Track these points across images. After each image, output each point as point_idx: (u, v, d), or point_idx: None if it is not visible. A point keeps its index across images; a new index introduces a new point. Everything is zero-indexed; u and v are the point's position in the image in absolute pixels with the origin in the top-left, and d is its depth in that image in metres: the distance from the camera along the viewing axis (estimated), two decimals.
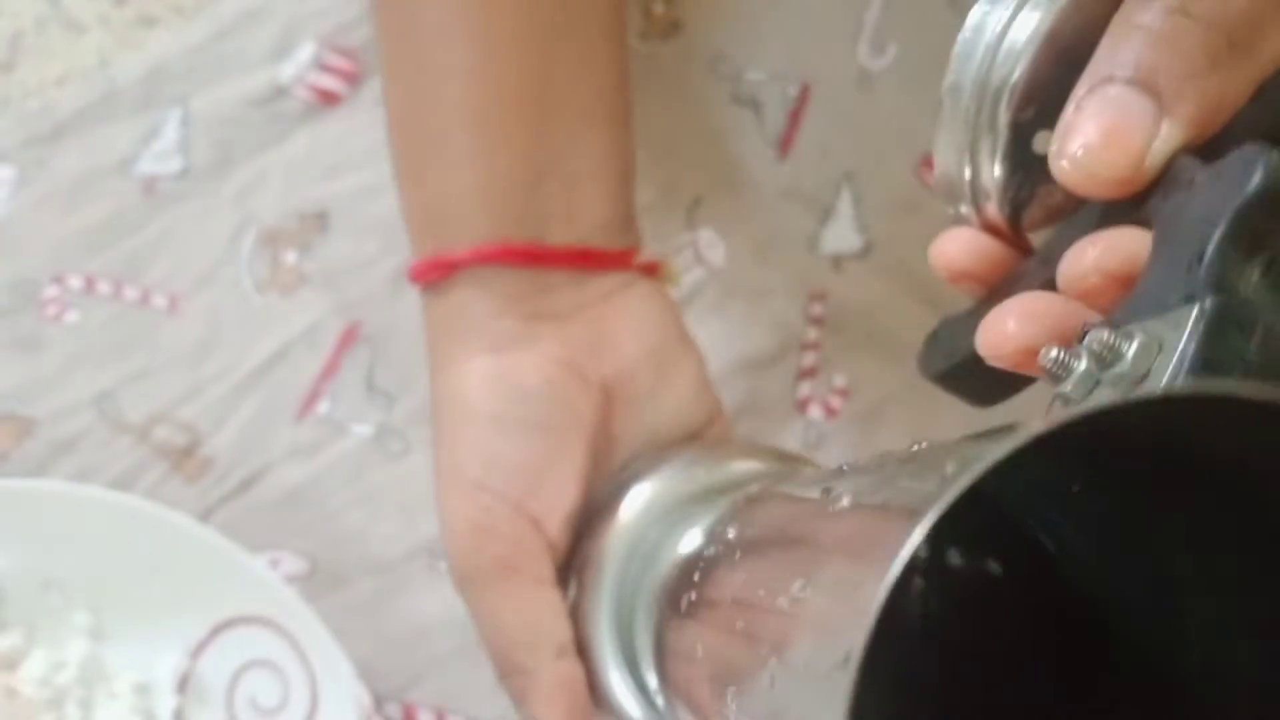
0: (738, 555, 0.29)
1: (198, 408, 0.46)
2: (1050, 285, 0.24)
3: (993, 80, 0.25)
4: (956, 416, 0.46)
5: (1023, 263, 0.26)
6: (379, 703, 0.41)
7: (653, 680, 0.31)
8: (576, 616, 0.32)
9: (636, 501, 0.32)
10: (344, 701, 0.40)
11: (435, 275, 0.34)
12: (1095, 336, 0.21)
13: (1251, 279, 0.20)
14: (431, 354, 0.35)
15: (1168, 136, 0.22)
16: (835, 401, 0.48)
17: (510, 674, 0.32)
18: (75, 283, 0.47)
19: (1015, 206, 0.26)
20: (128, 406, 0.46)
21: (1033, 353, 0.22)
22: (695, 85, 0.50)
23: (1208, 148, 0.22)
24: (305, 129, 0.49)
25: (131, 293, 0.47)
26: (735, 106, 0.51)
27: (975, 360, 0.25)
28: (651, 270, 0.36)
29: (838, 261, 0.49)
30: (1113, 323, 0.21)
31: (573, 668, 0.31)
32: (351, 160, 0.49)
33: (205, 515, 0.44)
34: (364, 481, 0.45)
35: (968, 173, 0.26)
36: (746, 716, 0.23)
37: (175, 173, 0.49)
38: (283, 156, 0.49)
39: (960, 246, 0.26)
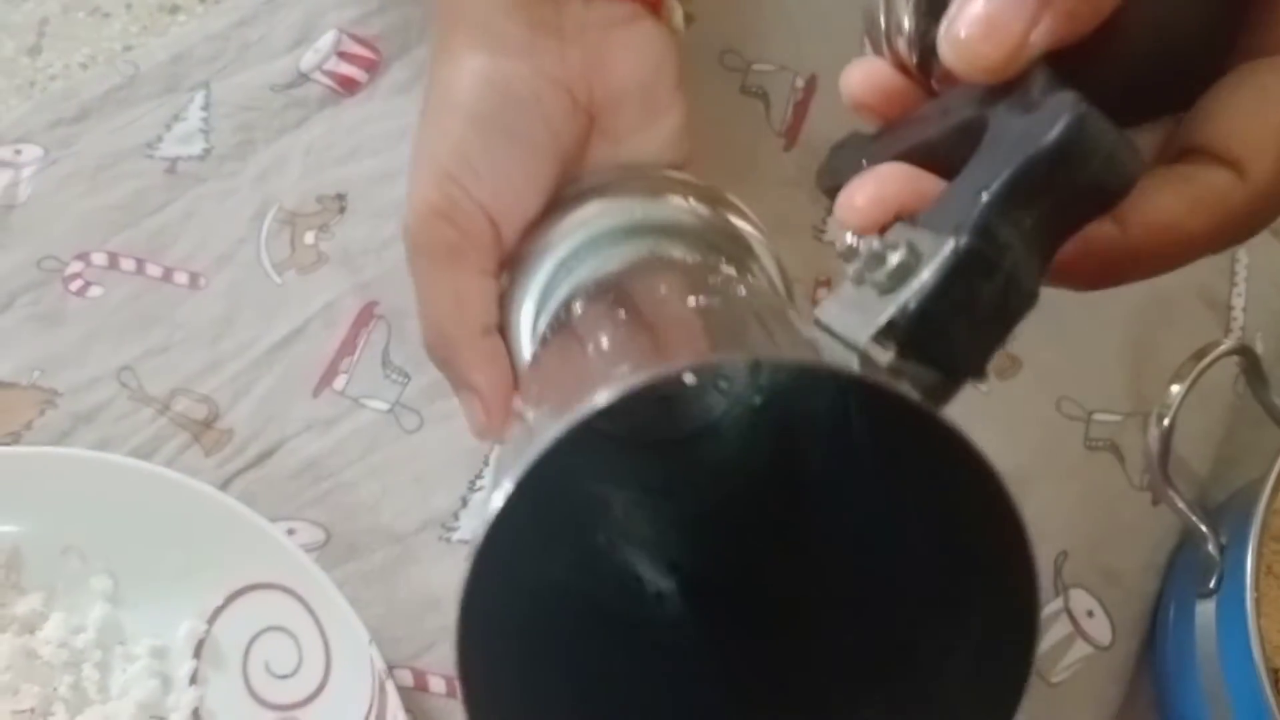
0: (600, 304, 0.31)
1: (217, 382, 0.47)
2: (943, 138, 0.24)
3: None
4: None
5: (924, 105, 0.27)
6: (391, 669, 0.42)
7: None
8: (504, 305, 0.34)
9: (576, 216, 0.34)
10: (357, 667, 0.41)
11: None
12: (868, 243, 0.22)
13: (1021, 226, 0.21)
14: (434, 42, 0.36)
15: (1042, 33, 0.22)
16: None
17: (436, 343, 0.34)
18: (99, 259, 0.48)
19: (923, 52, 0.26)
20: (148, 380, 0.46)
21: (875, 226, 0.24)
22: (705, 76, 0.52)
23: (1084, 47, 0.23)
24: (325, 114, 0.51)
25: (154, 270, 0.48)
26: (743, 97, 0.52)
27: None
28: (655, 6, 0.36)
29: None
30: (918, 221, 0.23)
31: (496, 343, 0.33)
32: (369, 145, 0.50)
33: (223, 486, 0.45)
34: (378, 455, 0.46)
35: (883, 10, 0.26)
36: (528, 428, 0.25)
37: (197, 155, 0.50)
38: (302, 140, 0.50)
39: (865, 76, 0.27)
